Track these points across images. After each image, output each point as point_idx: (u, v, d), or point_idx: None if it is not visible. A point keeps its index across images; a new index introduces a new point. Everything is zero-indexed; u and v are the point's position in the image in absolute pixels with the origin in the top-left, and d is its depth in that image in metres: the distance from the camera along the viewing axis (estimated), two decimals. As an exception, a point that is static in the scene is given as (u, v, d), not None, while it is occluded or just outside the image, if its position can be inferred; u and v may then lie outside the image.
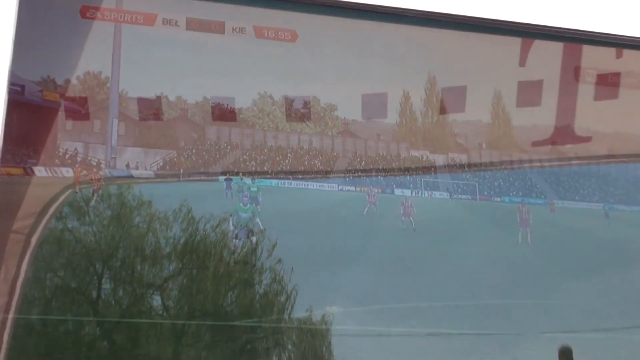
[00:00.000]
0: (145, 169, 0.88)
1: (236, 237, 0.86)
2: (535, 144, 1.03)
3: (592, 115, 1.05)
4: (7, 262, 0.77)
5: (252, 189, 0.89)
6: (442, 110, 1.00)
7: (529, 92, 1.03)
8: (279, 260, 0.85)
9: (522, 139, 1.02)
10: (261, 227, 0.86)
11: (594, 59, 1.05)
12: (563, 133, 1.03)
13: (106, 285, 0.80)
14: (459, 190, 0.97)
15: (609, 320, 0.93)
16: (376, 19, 0.96)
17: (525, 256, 0.93)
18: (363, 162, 0.96)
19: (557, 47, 1.04)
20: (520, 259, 0.92)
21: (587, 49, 1.04)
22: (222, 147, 0.91)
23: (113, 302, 0.80)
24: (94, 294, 0.79)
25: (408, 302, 0.88)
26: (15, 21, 0.79)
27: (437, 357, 0.86)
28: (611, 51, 1.05)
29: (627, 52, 1.04)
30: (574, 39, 1.01)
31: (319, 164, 0.94)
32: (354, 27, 0.95)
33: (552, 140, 1.03)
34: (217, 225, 0.86)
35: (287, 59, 0.93)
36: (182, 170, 0.90)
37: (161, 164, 0.89)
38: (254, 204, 0.88)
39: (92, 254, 0.81)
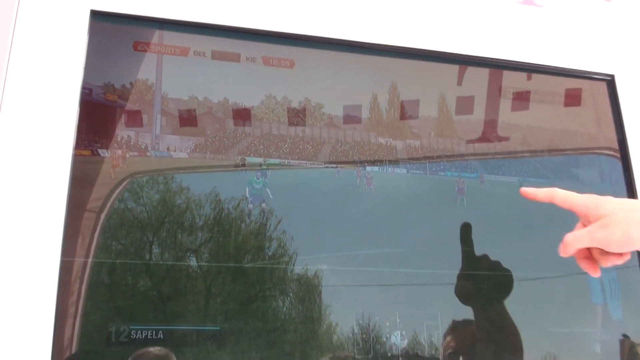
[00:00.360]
0: (181, 151, 1.16)
1: (250, 203, 1.15)
2: (469, 141, 1.35)
3: (510, 121, 1.38)
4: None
5: (262, 165, 1.18)
6: (402, 116, 1.30)
7: (465, 105, 1.36)
8: (281, 224, 1.15)
9: (460, 137, 1.34)
10: (270, 196, 1.15)
11: (511, 80, 1.40)
12: (489, 134, 1.36)
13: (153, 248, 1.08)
14: (414, 167, 1.28)
15: (532, 265, 1.24)
16: (355, 52, 1.28)
17: (462, 214, 1.26)
18: (343, 147, 1.26)
19: (484, 71, 1.39)
20: (458, 216, 1.25)
21: (506, 73, 1.40)
22: (239, 135, 1.20)
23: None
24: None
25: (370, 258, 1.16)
26: (86, 47, 1.08)
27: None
28: (523, 75, 1.41)
29: (534, 76, 1.41)
30: (496, 65, 1.37)
31: (310, 147, 1.23)
32: (338, 56, 1.27)
33: (482, 139, 1.35)
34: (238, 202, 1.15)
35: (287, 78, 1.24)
36: (208, 153, 1.17)
37: (192, 147, 1.17)
38: (264, 178, 1.17)
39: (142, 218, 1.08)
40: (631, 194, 1.35)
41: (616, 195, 1.31)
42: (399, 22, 1.30)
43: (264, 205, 1.13)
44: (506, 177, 1.32)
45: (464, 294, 1.15)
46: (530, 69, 1.39)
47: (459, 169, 1.29)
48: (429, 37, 1.30)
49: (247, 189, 1.14)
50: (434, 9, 1.33)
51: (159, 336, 1.01)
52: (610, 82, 1.42)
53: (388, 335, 1.10)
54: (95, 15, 1.09)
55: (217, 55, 1.19)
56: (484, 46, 1.34)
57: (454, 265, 1.19)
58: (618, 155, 1.39)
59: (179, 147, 1.14)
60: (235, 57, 1.20)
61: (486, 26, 1.36)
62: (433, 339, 1.12)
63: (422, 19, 1.31)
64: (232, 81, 1.20)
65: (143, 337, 1.00)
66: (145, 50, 1.15)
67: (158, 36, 1.17)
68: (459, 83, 1.37)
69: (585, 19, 1.46)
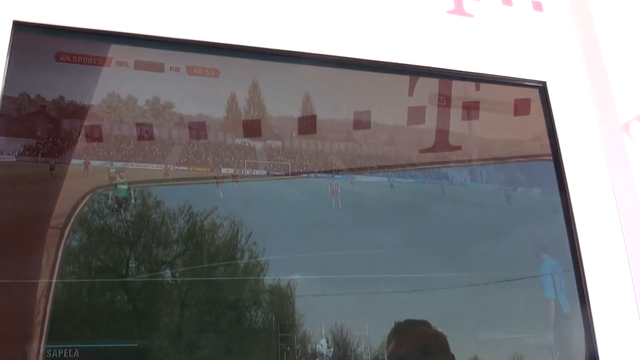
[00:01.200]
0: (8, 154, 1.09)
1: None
2: (422, 150, 1.37)
3: (461, 130, 1.40)
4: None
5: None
6: (355, 126, 1.32)
7: (416, 115, 1.37)
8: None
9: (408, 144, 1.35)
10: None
11: (460, 91, 1.42)
12: (441, 143, 1.37)
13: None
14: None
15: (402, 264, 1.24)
16: (287, 61, 1.29)
17: (336, 216, 1.25)
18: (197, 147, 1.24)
19: (434, 82, 1.41)
20: (334, 218, 1.24)
21: (455, 84, 1.41)
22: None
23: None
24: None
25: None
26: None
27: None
28: (472, 85, 1.43)
29: (482, 86, 1.43)
30: (428, 73, 1.38)
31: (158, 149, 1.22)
32: (263, 66, 1.28)
33: (433, 148, 1.37)
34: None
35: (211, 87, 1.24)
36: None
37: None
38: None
39: None
40: (564, 199, 1.36)
41: (548, 201, 1.37)
42: (328, 30, 1.30)
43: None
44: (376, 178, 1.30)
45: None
46: (463, 77, 1.40)
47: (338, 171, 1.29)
48: (356, 46, 1.30)
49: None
50: (362, 18, 1.34)
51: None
52: (542, 89, 1.44)
53: (314, 345, 1.09)
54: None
55: (140, 65, 1.17)
56: (414, 55, 1.35)
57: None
58: (551, 160, 1.40)
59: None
60: (159, 67, 1.19)
61: (416, 35, 1.37)
62: (360, 347, 1.11)
63: (349, 28, 1.32)
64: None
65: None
66: (67, 61, 1.14)
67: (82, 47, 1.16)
68: (410, 94, 1.39)
69: (517, 28, 1.48)
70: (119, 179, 1.14)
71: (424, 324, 1.19)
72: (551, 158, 1.40)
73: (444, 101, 1.41)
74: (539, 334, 1.26)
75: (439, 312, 1.22)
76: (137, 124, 1.18)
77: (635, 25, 1.52)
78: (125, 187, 1.13)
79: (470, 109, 1.43)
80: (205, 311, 1.10)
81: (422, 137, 1.38)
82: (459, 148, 1.39)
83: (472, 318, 1.24)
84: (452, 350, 1.18)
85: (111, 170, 1.13)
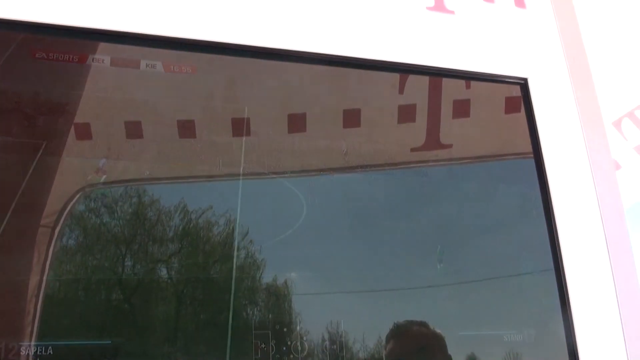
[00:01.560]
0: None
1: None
2: (413, 149, 1.35)
3: (451, 129, 1.39)
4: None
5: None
6: (345, 124, 1.31)
7: (407, 113, 1.36)
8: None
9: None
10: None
11: (451, 89, 1.41)
12: (432, 141, 1.36)
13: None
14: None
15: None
16: (265, 58, 1.28)
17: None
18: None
19: (425, 80, 1.39)
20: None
21: (445, 82, 1.40)
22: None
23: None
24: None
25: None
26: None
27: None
28: (462, 84, 1.42)
29: (473, 84, 1.42)
30: (409, 70, 1.37)
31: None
32: (238, 62, 1.26)
33: (424, 147, 1.36)
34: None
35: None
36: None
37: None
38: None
39: None
40: (545, 196, 1.36)
41: (529, 199, 1.36)
42: (305, 27, 1.29)
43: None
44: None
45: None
46: (444, 74, 1.40)
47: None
48: (335, 43, 1.29)
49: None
50: (339, 15, 1.33)
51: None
52: (523, 86, 1.43)
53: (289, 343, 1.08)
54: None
55: (116, 62, 1.16)
56: (394, 52, 1.34)
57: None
58: (531, 158, 1.39)
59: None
60: (135, 64, 1.18)
61: (394, 31, 1.36)
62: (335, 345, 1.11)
63: (327, 25, 1.31)
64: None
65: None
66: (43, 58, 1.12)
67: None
68: (401, 92, 1.37)
69: (499, 25, 1.47)
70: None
71: (422, 324, 1.19)
72: (532, 155, 1.39)
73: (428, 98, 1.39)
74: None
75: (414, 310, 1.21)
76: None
77: (617, 22, 1.52)
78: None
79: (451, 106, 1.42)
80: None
81: (400, 135, 1.36)
82: (450, 146, 1.39)
83: (450, 315, 1.23)
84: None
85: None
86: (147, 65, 1.21)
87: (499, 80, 1.44)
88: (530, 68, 1.45)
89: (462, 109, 1.41)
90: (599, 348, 1.25)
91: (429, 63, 1.38)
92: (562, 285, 1.29)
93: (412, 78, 1.39)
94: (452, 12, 1.44)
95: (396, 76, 1.38)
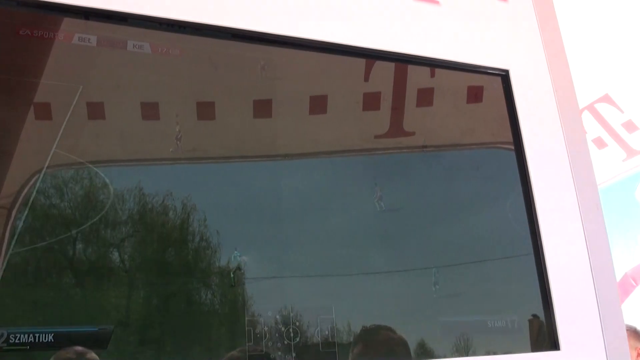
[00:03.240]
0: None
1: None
2: (377, 136, 1.36)
3: (414, 116, 1.40)
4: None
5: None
6: (312, 111, 1.30)
7: (372, 100, 1.36)
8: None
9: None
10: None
11: (416, 77, 1.42)
12: (395, 129, 1.37)
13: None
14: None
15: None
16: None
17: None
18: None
19: (390, 68, 1.40)
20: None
21: (411, 70, 1.41)
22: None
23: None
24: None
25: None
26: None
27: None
28: (427, 72, 1.43)
29: (437, 73, 1.43)
30: (390, 58, 1.38)
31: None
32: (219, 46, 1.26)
33: (388, 134, 1.36)
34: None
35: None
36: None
37: None
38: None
39: None
40: (526, 187, 1.39)
41: (510, 189, 1.39)
42: (291, 11, 1.29)
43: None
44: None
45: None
46: (427, 63, 1.41)
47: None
48: (316, 27, 1.30)
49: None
50: (327, 1, 1.33)
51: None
52: (504, 77, 1.46)
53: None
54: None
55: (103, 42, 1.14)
56: (374, 38, 1.36)
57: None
58: (512, 149, 1.42)
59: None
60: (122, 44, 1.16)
61: (377, 19, 1.37)
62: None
63: (311, 9, 1.31)
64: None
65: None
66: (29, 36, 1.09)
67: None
68: (366, 79, 1.37)
69: (482, 17, 1.50)
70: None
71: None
72: (512, 147, 1.42)
73: (401, 87, 1.40)
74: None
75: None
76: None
77: (594, 15, 1.55)
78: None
79: (428, 95, 1.43)
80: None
81: (377, 123, 1.37)
82: (412, 134, 1.39)
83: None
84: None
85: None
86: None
87: (480, 71, 1.46)
88: (512, 60, 1.48)
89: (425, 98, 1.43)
90: (578, 333, 1.29)
91: (413, 52, 1.39)
92: (542, 277, 1.32)
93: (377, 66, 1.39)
94: (437, 3, 1.45)
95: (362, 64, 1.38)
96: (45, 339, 0.98)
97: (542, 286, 1.32)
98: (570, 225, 1.38)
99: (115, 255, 1.08)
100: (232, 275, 1.12)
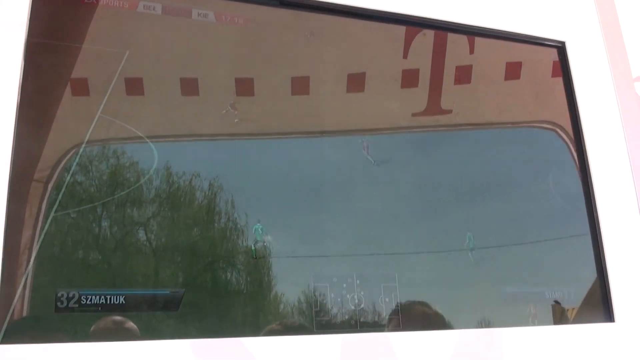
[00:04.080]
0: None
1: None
2: (414, 114, 1.34)
3: (453, 94, 1.37)
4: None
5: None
6: (349, 90, 1.29)
7: (410, 78, 1.35)
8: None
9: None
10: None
11: (454, 54, 1.39)
12: (433, 107, 1.35)
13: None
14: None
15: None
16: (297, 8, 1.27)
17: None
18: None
19: (429, 44, 1.38)
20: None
21: (449, 46, 1.39)
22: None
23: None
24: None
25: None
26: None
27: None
28: (466, 48, 1.40)
29: (476, 49, 1.40)
30: (442, 27, 1.37)
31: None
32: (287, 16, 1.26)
33: (425, 112, 1.35)
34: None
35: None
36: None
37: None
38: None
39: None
40: (582, 161, 1.37)
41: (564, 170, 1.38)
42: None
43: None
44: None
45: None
46: (479, 33, 1.40)
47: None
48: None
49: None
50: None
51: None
52: (561, 49, 1.43)
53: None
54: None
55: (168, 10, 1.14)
56: (426, 7, 1.34)
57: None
58: (564, 126, 1.40)
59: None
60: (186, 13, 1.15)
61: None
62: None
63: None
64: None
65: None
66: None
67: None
68: (405, 56, 1.36)
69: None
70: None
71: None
72: (569, 120, 1.40)
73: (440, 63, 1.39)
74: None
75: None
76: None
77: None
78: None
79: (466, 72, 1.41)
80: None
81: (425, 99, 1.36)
82: (449, 112, 1.38)
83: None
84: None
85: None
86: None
87: (536, 43, 1.44)
88: (568, 31, 1.45)
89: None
90: (633, 306, 1.29)
91: (467, 21, 1.38)
92: (597, 244, 1.32)
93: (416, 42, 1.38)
94: (492, -26, 1.43)
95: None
96: (116, 301, 1.00)
97: (598, 259, 1.31)
98: (625, 196, 1.36)
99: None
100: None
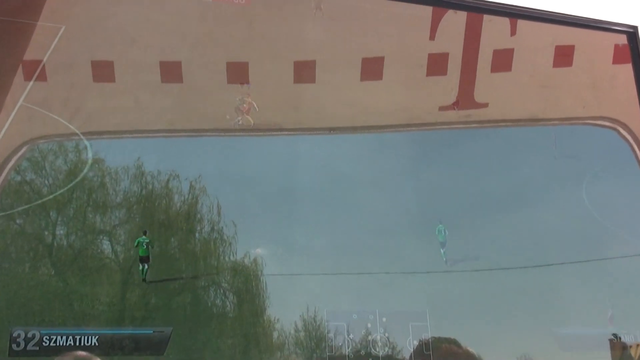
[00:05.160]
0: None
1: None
2: (442, 108, 1.13)
3: (489, 84, 1.16)
4: None
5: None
6: (363, 78, 1.10)
7: (438, 63, 1.14)
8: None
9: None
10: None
11: (491, 36, 1.17)
12: (464, 99, 1.13)
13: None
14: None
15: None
16: None
17: None
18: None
19: (461, 23, 1.15)
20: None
21: (485, 27, 1.16)
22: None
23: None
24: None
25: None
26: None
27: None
28: (506, 29, 1.17)
29: (519, 29, 1.17)
30: (503, 12, 1.15)
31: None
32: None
33: (455, 105, 1.13)
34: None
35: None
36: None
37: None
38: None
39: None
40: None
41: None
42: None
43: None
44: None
45: None
46: (546, 18, 1.17)
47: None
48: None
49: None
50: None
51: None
52: (632, 35, 1.19)
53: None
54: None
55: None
56: None
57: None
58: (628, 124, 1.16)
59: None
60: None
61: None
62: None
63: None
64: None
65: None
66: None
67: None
68: (432, 37, 1.14)
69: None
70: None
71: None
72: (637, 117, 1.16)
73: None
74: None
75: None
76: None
77: None
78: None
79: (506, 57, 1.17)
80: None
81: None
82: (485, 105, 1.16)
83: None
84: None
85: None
86: None
87: (606, 28, 1.20)
88: (640, 17, 1.19)
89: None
90: None
91: (531, 5, 1.15)
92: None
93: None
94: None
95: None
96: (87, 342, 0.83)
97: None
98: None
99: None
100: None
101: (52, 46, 0.95)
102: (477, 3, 1.13)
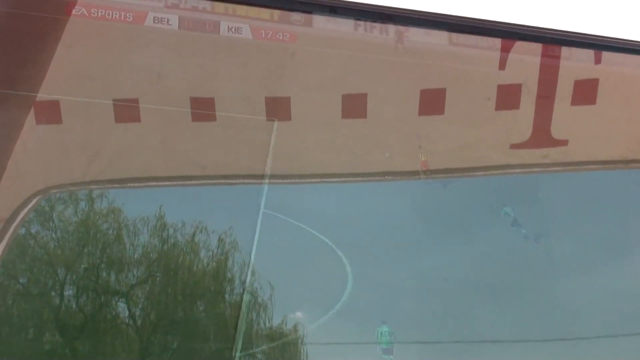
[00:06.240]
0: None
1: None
2: (514, 146, 1.03)
3: (569, 119, 1.04)
4: None
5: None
6: (422, 112, 1.01)
7: (509, 96, 1.03)
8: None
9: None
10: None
11: (572, 65, 1.05)
12: (540, 136, 1.03)
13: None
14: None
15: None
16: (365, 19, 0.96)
17: None
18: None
19: (536, 52, 1.04)
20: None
21: (565, 54, 1.04)
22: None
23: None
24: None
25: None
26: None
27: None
28: (590, 57, 1.05)
29: (605, 58, 1.04)
30: (554, 39, 1.00)
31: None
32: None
33: (529, 143, 1.03)
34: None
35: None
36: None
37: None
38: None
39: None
40: None
41: None
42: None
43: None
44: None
45: None
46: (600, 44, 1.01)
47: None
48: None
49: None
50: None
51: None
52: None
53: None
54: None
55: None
56: (537, 13, 0.97)
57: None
58: None
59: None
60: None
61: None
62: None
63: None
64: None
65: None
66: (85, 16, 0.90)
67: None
68: (502, 67, 1.04)
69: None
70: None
71: None
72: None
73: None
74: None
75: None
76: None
77: None
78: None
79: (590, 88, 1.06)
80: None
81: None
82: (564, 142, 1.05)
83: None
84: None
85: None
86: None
87: None
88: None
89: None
90: None
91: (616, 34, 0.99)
92: None
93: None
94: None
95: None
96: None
97: None
98: None
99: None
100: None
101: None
102: (554, 34, 0.99)
